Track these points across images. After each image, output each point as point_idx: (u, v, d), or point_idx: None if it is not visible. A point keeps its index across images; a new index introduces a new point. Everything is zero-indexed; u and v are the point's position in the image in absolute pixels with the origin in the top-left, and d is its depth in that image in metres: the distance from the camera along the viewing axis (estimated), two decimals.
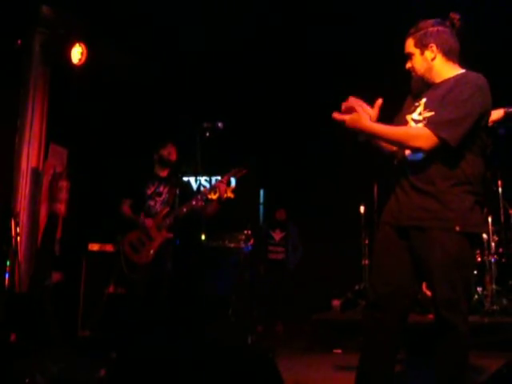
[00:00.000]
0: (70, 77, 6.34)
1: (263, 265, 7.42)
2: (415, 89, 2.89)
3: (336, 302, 6.79)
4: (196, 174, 8.49)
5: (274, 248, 7.66)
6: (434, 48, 2.76)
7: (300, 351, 5.48)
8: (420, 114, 2.77)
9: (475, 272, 6.06)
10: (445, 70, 2.79)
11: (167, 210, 4.85)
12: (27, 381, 3.33)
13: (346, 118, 2.73)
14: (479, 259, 6.33)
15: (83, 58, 6.20)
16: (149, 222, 4.80)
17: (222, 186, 4.81)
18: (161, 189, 4.96)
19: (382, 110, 2.84)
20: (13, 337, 4.96)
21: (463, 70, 2.78)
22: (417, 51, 2.80)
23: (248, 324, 6.18)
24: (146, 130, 7.13)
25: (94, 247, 6.05)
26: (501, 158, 6.38)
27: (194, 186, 9.06)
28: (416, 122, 2.78)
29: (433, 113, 2.68)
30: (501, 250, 6.39)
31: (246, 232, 6.77)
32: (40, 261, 5.90)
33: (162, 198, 4.93)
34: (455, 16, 2.83)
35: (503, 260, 6.36)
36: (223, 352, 2.39)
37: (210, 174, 9.21)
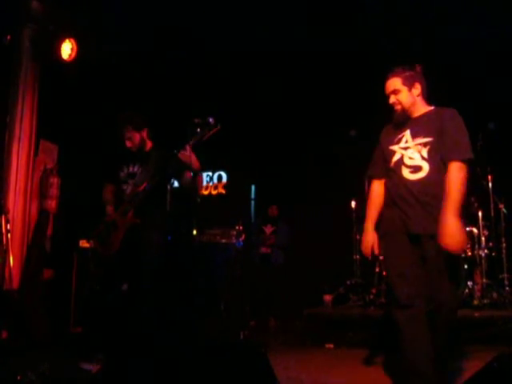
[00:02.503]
0: (60, 73, 6.31)
1: (255, 260, 7.43)
2: (398, 121, 3.42)
3: (328, 297, 6.80)
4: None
5: (265, 242, 7.68)
6: (419, 86, 3.39)
7: (292, 346, 5.50)
8: (407, 141, 3.33)
9: (466, 266, 6.10)
10: (422, 105, 3.41)
11: (136, 191, 4.39)
12: (19, 378, 3.32)
13: (451, 247, 3.03)
14: (470, 253, 6.37)
15: (73, 54, 6.18)
16: (110, 208, 4.50)
17: (185, 154, 4.17)
18: (135, 169, 4.50)
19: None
20: (4, 334, 4.96)
21: (433, 107, 3.43)
22: (405, 88, 3.37)
23: (240, 319, 6.19)
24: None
25: (85, 244, 6.04)
26: (491, 153, 6.44)
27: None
28: (405, 149, 3.33)
29: (430, 139, 3.24)
30: (491, 244, 6.42)
31: (237, 228, 6.78)
32: (31, 258, 5.88)
33: (134, 180, 4.46)
34: (419, 67, 3.46)
35: (493, 254, 6.39)
36: (215, 348, 2.39)
37: (201, 170, 9.22)
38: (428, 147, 3.24)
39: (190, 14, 6.68)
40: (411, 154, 3.29)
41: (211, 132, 4.16)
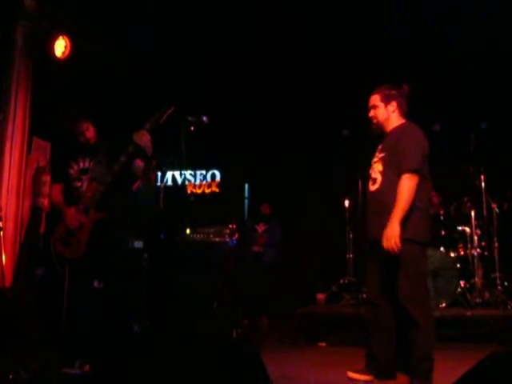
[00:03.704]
0: (53, 70, 6.28)
1: (248, 258, 7.43)
2: (374, 132, 3.84)
3: (321, 296, 6.81)
4: (181, 168, 8.51)
5: (257, 240, 7.68)
6: (395, 104, 3.75)
7: (285, 345, 5.50)
8: (376, 156, 3.75)
9: (458, 265, 6.12)
10: (396, 120, 3.77)
11: (94, 185, 4.12)
12: (11, 377, 3.31)
13: (386, 246, 3.40)
14: (462, 253, 6.40)
15: (67, 52, 6.16)
16: (70, 209, 4.10)
17: (143, 135, 3.99)
18: (86, 164, 4.22)
19: None
20: None
21: (404, 121, 3.77)
22: (382, 105, 3.77)
23: (233, 318, 6.18)
24: (129, 122, 7.07)
25: None
26: (484, 152, 6.47)
27: (179, 180, 9.08)
28: (374, 162, 3.75)
29: (386, 153, 3.65)
30: (483, 243, 6.45)
31: (230, 226, 6.76)
32: (23, 256, 5.86)
33: (89, 175, 4.18)
34: (406, 87, 3.83)
35: (486, 253, 6.42)
36: (208, 346, 2.39)
37: (194, 168, 9.22)
38: (383, 161, 3.66)
39: (184, 12, 6.68)
40: (375, 167, 3.73)
41: (166, 113, 4.08)
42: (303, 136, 8.19)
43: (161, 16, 6.73)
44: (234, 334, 5.62)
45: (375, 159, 3.75)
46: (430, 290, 5.89)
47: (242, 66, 7.58)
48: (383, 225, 3.45)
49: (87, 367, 3.59)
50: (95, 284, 4.11)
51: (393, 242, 3.36)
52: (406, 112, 3.82)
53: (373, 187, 3.70)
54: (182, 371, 2.29)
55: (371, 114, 3.83)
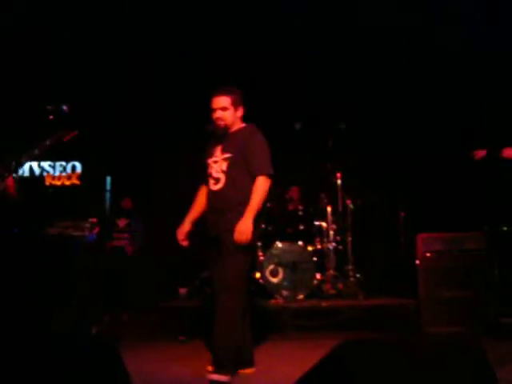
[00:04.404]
0: None
1: (108, 252, 7.24)
2: (218, 134, 3.89)
3: (182, 290, 6.81)
4: (38, 159, 8.11)
5: (118, 235, 7.51)
6: (241, 109, 3.88)
7: (145, 339, 5.44)
8: (217, 156, 3.85)
9: (315, 258, 6.38)
10: (238, 124, 3.90)
11: None
12: None
13: (238, 240, 3.63)
14: (319, 246, 6.68)
15: None
16: None
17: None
18: None
19: None
20: None
21: (244, 124, 3.93)
22: (232, 108, 3.82)
23: (93, 313, 6.01)
24: None
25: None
26: (341, 151, 6.81)
27: (37, 171, 8.64)
28: (214, 162, 3.85)
29: (231, 154, 3.77)
30: (338, 238, 6.78)
31: (91, 220, 6.56)
32: None
33: None
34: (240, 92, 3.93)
35: (340, 247, 6.76)
36: (65, 342, 2.31)
37: (54, 159, 8.81)
38: (228, 162, 3.78)
39: None
40: (217, 167, 3.83)
41: (70, 136, 4.10)
42: (168, 129, 8.10)
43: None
44: (94, 330, 5.48)
45: (215, 159, 3.85)
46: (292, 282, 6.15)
47: (103, 54, 7.34)
48: (227, 221, 3.70)
49: None
50: None
51: (245, 237, 3.59)
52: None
53: (215, 186, 3.82)
54: (35, 369, 2.19)
55: (219, 115, 3.83)
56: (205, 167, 3.96)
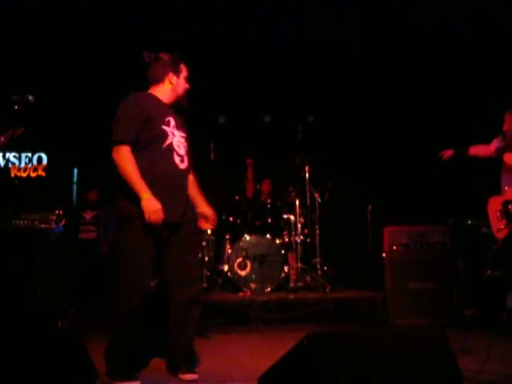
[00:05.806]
0: None
1: (75, 245, 7.17)
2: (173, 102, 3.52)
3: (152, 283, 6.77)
4: (1, 150, 7.95)
5: (85, 227, 7.43)
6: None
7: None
8: (174, 128, 3.38)
9: (283, 251, 6.41)
10: None
11: None
12: None
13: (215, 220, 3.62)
14: (287, 240, 6.72)
15: None
16: None
17: None
18: None
19: None
20: None
21: None
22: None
23: (59, 307, 5.95)
24: None
25: None
26: (309, 145, 6.85)
27: (2, 162, 8.49)
28: (182, 137, 3.44)
29: (186, 135, 3.47)
30: (306, 231, 6.82)
31: (57, 212, 6.47)
32: None
33: None
34: None
35: (308, 240, 6.80)
36: (29, 337, 2.29)
37: (19, 150, 8.66)
38: (187, 143, 3.47)
39: None
40: (179, 143, 3.39)
41: (18, 133, 3.97)
42: None
43: None
44: (59, 324, 5.42)
45: (173, 131, 3.38)
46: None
47: (70, 45, 7.22)
48: (188, 201, 3.48)
49: None
50: None
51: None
52: None
53: (182, 165, 3.40)
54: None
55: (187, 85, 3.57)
56: (151, 128, 3.32)
